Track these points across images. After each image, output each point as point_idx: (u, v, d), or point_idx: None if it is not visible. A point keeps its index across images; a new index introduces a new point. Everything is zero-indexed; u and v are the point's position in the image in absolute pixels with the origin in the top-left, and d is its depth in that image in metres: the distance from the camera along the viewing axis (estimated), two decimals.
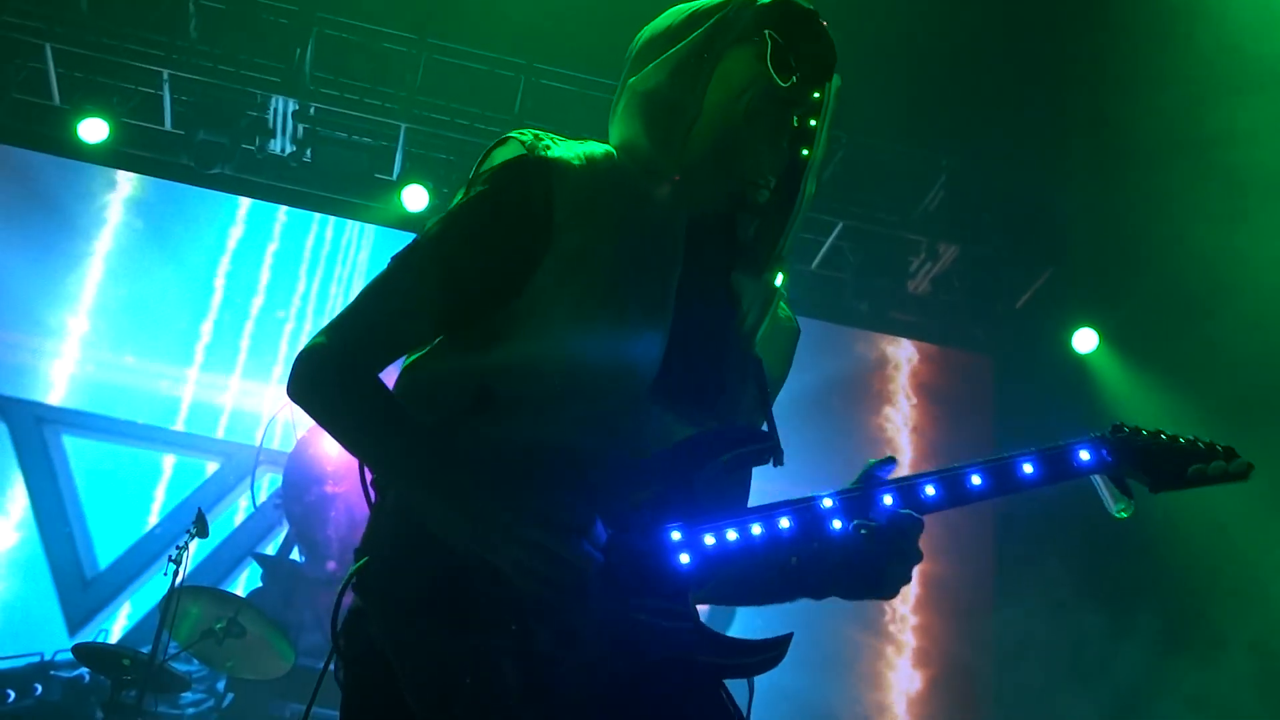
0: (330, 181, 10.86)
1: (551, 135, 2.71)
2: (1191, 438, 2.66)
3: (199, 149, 10.25)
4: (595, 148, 2.75)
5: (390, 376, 2.64)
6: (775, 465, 2.60)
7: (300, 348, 2.59)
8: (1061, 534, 9.91)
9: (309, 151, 10.77)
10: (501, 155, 2.67)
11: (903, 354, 11.87)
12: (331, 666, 2.55)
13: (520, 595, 2.31)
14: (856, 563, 2.54)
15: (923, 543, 2.54)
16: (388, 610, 2.37)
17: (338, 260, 11.17)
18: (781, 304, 3.00)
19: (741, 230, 2.85)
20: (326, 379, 2.56)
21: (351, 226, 11.22)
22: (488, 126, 10.34)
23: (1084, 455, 2.60)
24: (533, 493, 2.35)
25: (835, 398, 10.94)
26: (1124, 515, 2.59)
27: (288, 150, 10.76)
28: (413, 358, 2.66)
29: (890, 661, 10.95)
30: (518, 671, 2.29)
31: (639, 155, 2.74)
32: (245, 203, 11.02)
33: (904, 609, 11.07)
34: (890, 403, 11.65)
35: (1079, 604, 9.65)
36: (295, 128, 10.62)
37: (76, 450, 10.16)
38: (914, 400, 11.69)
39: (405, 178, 10.45)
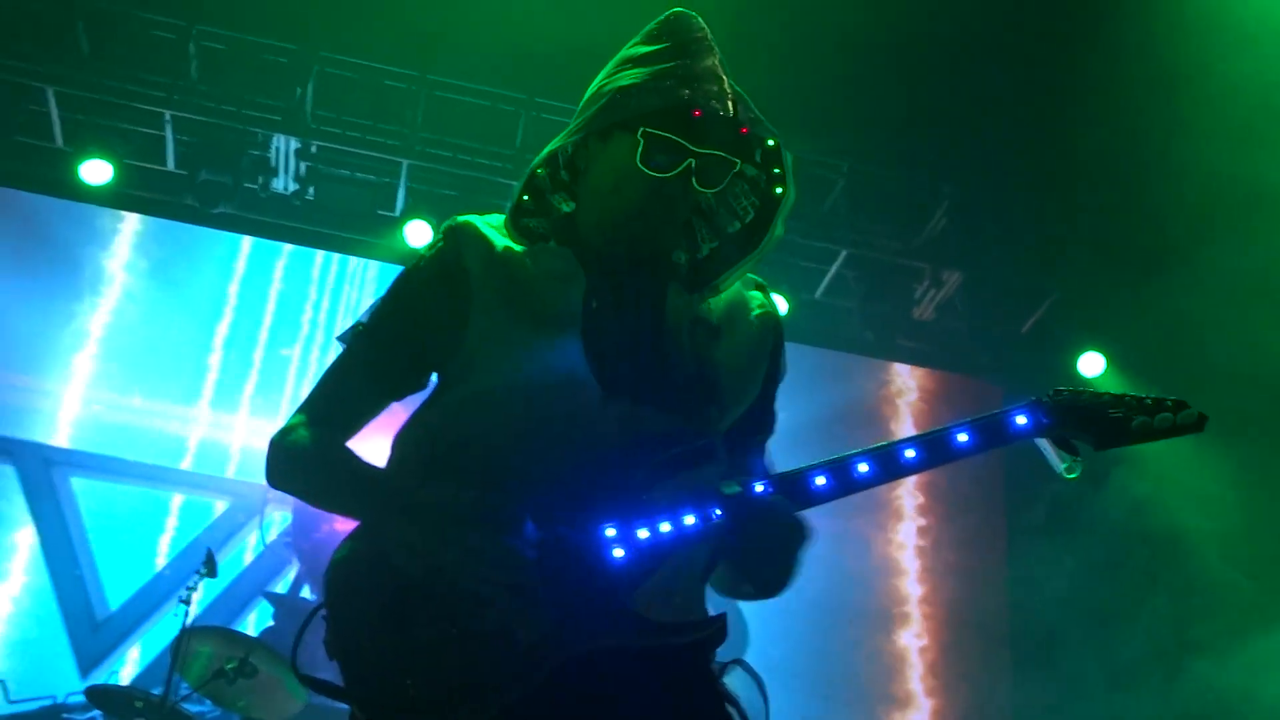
0: (333, 219, 10.88)
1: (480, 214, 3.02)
2: (1139, 395, 2.72)
3: (202, 189, 10.27)
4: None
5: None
6: (709, 464, 2.70)
7: (274, 432, 2.88)
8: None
9: (311, 189, 10.79)
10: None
11: (909, 382, 11.85)
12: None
13: (457, 600, 2.48)
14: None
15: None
16: (339, 617, 2.57)
17: (342, 297, 11.19)
18: (754, 293, 3.10)
19: (679, 259, 3.04)
20: (300, 464, 2.84)
21: (355, 263, 11.24)
22: (490, 161, 10.38)
23: (1020, 420, 2.69)
24: (468, 502, 2.55)
25: (841, 426, 10.87)
26: (1072, 476, 2.65)
27: (290, 188, 10.77)
28: (400, 429, 2.89)
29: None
30: (458, 670, 2.46)
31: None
32: (249, 241, 11.04)
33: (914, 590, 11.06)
34: (897, 431, 11.61)
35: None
36: (298, 166, 10.65)
37: (85, 492, 10.14)
38: (921, 428, 11.66)
39: (408, 213, 10.45)
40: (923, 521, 11.35)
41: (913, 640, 11.07)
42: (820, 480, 2.62)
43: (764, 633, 9.72)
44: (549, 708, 2.47)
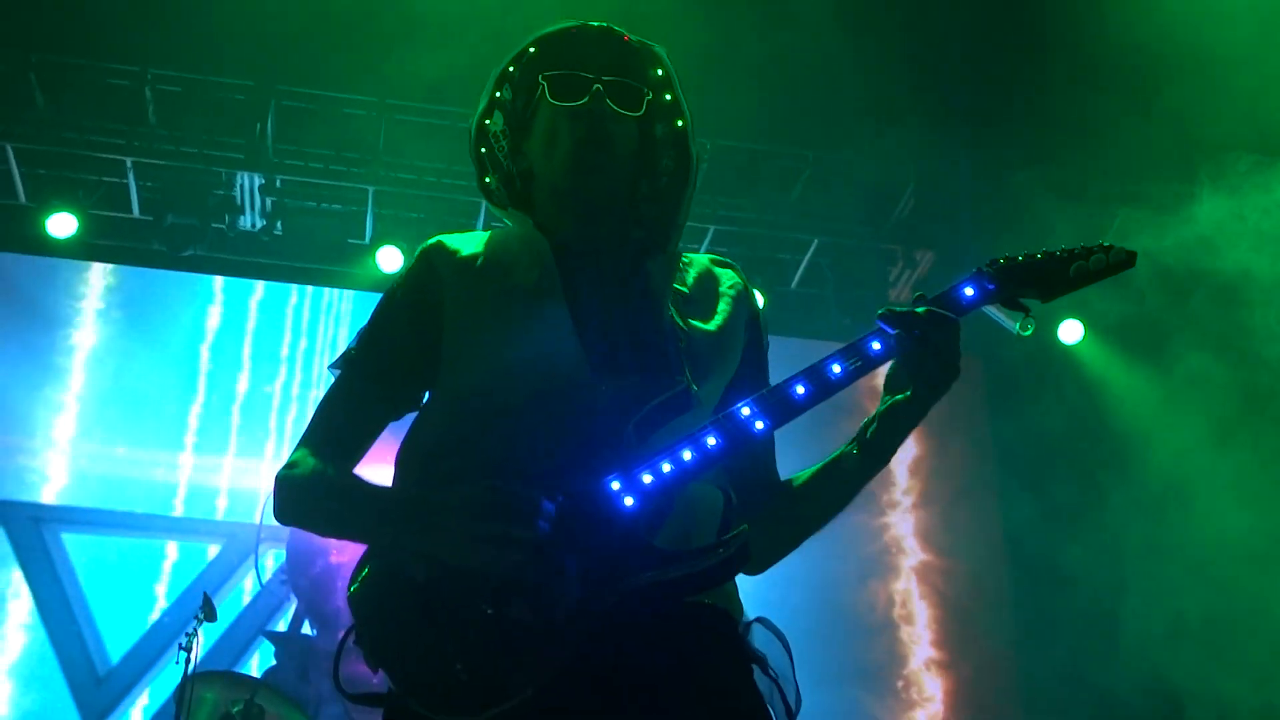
0: (304, 251, 10.84)
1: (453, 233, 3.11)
2: (1070, 247, 2.86)
3: (169, 233, 10.25)
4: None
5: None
6: (689, 411, 2.72)
7: (278, 469, 2.88)
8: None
9: (279, 224, 10.75)
10: None
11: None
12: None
13: (483, 583, 2.50)
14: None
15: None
16: (374, 633, 2.60)
17: (319, 328, 11.14)
18: (725, 271, 3.15)
19: (634, 230, 3.09)
20: (305, 498, 2.86)
21: (330, 293, 11.20)
22: (455, 180, 10.35)
23: (969, 291, 2.82)
24: (474, 495, 2.55)
25: (827, 410, 10.83)
26: (1026, 333, 2.79)
27: (258, 225, 10.74)
28: (400, 446, 2.90)
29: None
30: (503, 645, 2.48)
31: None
32: (221, 281, 11.00)
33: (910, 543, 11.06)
34: None
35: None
36: (263, 202, 10.62)
37: (76, 547, 10.08)
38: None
39: (378, 240, 10.45)
40: (916, 452, 11.35)
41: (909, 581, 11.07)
42: (800, 389, 2.71)
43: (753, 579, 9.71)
44: (599, 661, 2.49)
